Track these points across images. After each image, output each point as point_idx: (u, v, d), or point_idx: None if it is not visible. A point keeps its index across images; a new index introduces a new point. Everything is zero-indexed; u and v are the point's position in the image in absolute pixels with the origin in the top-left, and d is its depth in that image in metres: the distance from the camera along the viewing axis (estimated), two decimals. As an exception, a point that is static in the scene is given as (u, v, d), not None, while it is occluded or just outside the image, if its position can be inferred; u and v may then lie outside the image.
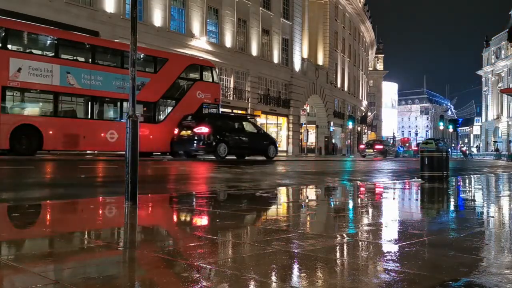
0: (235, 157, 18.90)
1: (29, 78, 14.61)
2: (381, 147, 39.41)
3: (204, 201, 5.61)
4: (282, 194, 6.79)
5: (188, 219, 4.43)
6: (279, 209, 5.20)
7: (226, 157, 17.86)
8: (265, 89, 35.76)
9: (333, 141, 47.01)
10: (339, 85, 50.16)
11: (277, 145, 22.69)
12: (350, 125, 46.24)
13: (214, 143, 17.39)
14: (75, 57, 16.76)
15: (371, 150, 38.74)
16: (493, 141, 74.85)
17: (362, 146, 42.11)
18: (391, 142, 59.88)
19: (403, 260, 2.55)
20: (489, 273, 2.26)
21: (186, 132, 17.58)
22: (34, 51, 15.63)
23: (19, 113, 14.81)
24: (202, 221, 4.20)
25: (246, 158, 19.50)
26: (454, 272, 2.27)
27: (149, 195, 5.75)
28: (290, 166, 16.56)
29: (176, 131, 17.99)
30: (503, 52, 73.73)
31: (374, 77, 76.74)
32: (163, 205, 5.36)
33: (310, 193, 7.14)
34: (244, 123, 19.81)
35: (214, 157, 17.64)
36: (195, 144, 17.39)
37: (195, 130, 17.30)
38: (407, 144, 57.38)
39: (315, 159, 27.38)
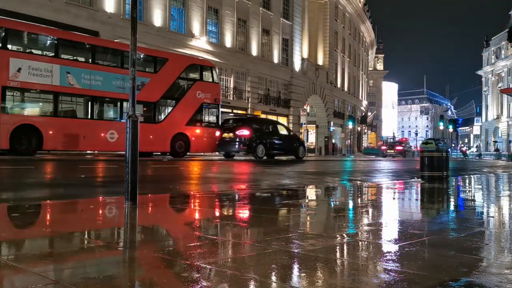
0: (265, 157, 19.97)
1: (29, 78, 14.61)
2: (401, 148, 43.91)
3: (204, 201, 5.61)
4: (282, 194, 6.78)
5: (187, 219, 4.43)
6: (278, 209, 5.19)
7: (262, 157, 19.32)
8: (265, 89, 35.77)
9: (333, 141, 47.03)
10: (339, 85, 50.17)
11: (306, 146, 24.82)
12: (350, 125, 46.24)
13: (254, 145, 19.03)
14: (75, 57, 16.76)
15: (392, 151, 43.13)
16: (493, 141, 74.84)
17: (384, 147, 46.28)
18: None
19: (403, 260, 2.55)
20: (489, 273, 2.26)
21: (228, 134, 19.25)
22: (34, 51, 15.62)
23: (19, 113, 14.81)
24: (202, 221, 4.20)
25: (276, 158, 20.88)
26: (454, 272, 2.27)
27: (149, 195, 5.75)
28: (291, 166, 16.57)
29: (218, 133, 19.63)
30: (503, 52, 73.74)
31: (374, 77, 76.74)
32: (163, 205, 5.36)
33: (311, 193, 7.14)
34: (277, 126, 21.69)
35: (253, 158, 19.24)
36: (236, 146, 19.12)
37: (237, 132, 18.99)
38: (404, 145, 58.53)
39: (315, 159, 27.37)
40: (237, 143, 18.93)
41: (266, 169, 13.38)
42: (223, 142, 19.33)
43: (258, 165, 15.24)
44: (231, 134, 19.08)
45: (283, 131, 21.32)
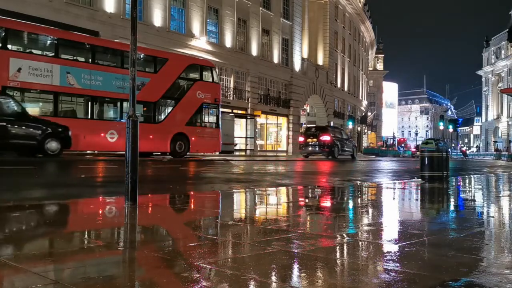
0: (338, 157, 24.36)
1: (29, 78, 14.60)
2: None
3: (202, 200, 5.60)
4: (280, 194, 6.78)
5: (187, 218, 4.43)
6: (277, 209, 5.19)
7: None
8: (265, 89, 35.75)
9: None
10: (339, 85, 50.15)
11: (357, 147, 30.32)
12: (350, 125, 46.24)
13: (332, 148, 24.17)
14: (75, 57, 16.75)
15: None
16: (493, 141, 74.84)
17: (413, 150, 51.17)
18: (391, 142, 60.07)
19: (403, 260, 2.55)
20: (489, 273, 2.26)
21: (312, 139, 24.45)
22: (34, 51, 15.61)
23: (19, 113, 14.78)
24: (202, 220, 4.20)
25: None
26: (454, 272, 2.27)
27: (149, 195, 5.75)
28: (291, 166, 16.57)
29: (302, 138, 25.38)
30: (503, 52, 73.74)
31: (374, 77, 76.75)
32: (163, 205, 5.36)
33: (311, 193, 7.14)
34: (341, 131, 27.30)
35: (330, 157, 23.92)
36: (318, 148, 24.40)
37: (321, 138, 24.08)
38: (402, 145, 58.71)
39: (316, 159, 27.37)
40: (318, 146, 24.13)
41: (341, 167, 16.01)
42: (307, 145, 24.59)
43: (334, 163, 19.70)
44: (314, 139, 24.22)
45: (344, 135, 26.60)
